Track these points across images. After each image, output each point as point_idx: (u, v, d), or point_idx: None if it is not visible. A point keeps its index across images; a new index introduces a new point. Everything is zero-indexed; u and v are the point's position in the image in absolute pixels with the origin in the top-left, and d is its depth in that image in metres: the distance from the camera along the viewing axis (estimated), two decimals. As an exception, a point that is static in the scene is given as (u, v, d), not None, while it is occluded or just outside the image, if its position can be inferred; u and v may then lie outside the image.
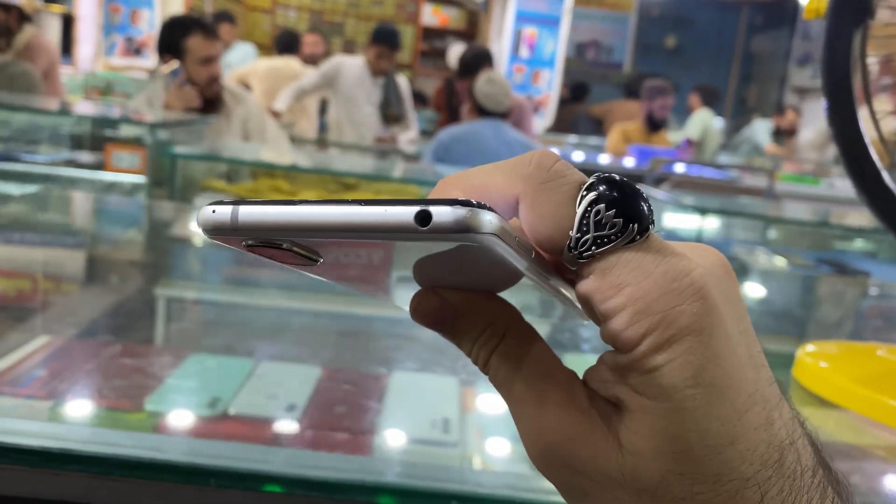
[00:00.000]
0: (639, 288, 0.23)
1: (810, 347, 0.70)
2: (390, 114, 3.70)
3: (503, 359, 0.26)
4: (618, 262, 0.24)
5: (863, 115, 0.70)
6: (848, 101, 0.67)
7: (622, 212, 0.24)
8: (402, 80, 3.83)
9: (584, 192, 0.24)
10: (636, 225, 0.24)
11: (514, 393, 0.26)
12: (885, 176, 0.68)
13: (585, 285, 0.25)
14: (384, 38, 3.64)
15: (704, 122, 5.34)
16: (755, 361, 0.25)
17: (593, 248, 0.24)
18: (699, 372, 0.23)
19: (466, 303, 0.27)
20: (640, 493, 0.24)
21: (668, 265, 0.24)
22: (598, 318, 0.25)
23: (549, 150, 0.26)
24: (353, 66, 3.68)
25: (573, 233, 0.24)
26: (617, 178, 0.24)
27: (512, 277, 0.27)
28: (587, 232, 0.24)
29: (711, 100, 5.51)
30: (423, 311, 0.27)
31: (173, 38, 2.34)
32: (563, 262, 0.25)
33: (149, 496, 0.42)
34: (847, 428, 0.65)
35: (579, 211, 0.24)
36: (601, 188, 0.24)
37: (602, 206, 0.24)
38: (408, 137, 3.79)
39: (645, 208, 0.24)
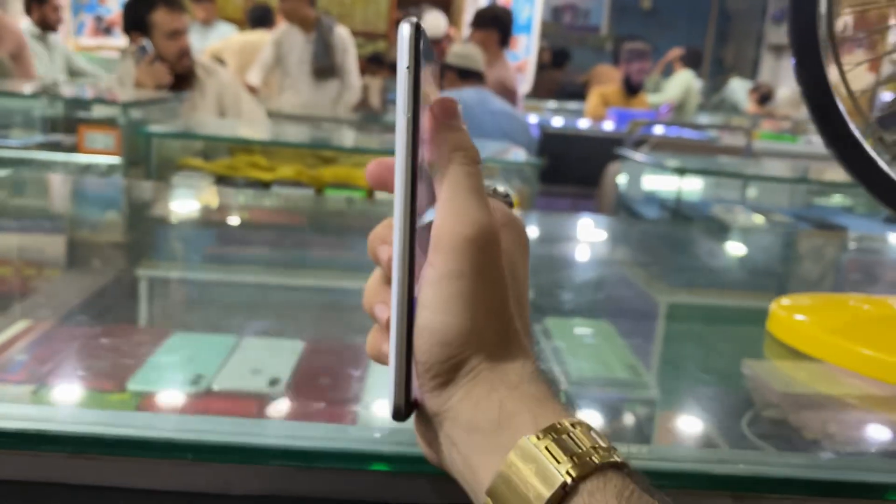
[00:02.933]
0: None
1: (784, 301, 0.71)
2: (317, 67, 3.55)
3: None
4: None
5: (832, 70, 0.70)
6: (815, 53, 0.67)
7: None
8: (341, 32, 3.65)
9: None
10: None
11: None
12: (854, 128, 0.69)
13: None
14: None
15: (686, 82, 5.33)
16: None
17: None
18: None
19: None
20: None
21: None
22: None
23: None
24: (290, 26, 3.62)
25: None
26: None
27: None
28: None
29: (696, 62, 5.52)
30: None
31: (138, 13, 2.30)
32: None
33: (131, 474, 0.42)
34: (821, 378, 0.66)
35: None
36: None
37: None
38: (347, 102, 3.62)
39: None
